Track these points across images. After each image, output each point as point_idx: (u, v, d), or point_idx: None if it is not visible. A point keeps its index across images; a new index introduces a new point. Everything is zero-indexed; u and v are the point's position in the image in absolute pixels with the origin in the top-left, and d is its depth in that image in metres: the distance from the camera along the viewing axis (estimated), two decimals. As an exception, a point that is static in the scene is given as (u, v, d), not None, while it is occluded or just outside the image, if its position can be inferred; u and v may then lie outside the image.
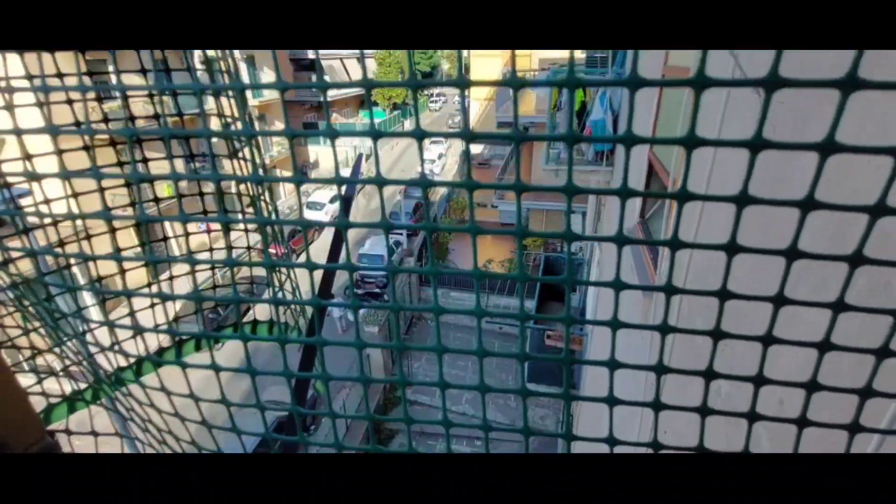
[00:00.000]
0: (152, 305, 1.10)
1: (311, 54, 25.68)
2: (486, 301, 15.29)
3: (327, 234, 20.05)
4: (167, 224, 1.37)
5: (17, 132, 0.53)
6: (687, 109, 2.87)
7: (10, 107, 0.62)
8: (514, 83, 0.38)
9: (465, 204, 20.02)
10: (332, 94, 28.07)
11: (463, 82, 0.40)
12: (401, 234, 17.93)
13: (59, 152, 0.79)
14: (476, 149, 24.84)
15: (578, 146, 7.37)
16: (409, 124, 36.86)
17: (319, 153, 26.75)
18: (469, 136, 0.42)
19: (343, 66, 27.96)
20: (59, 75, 1.01)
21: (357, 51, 0.40)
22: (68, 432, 0.96)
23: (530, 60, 18.39)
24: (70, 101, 1.02)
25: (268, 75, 20.23)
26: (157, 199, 1.34)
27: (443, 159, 28.47)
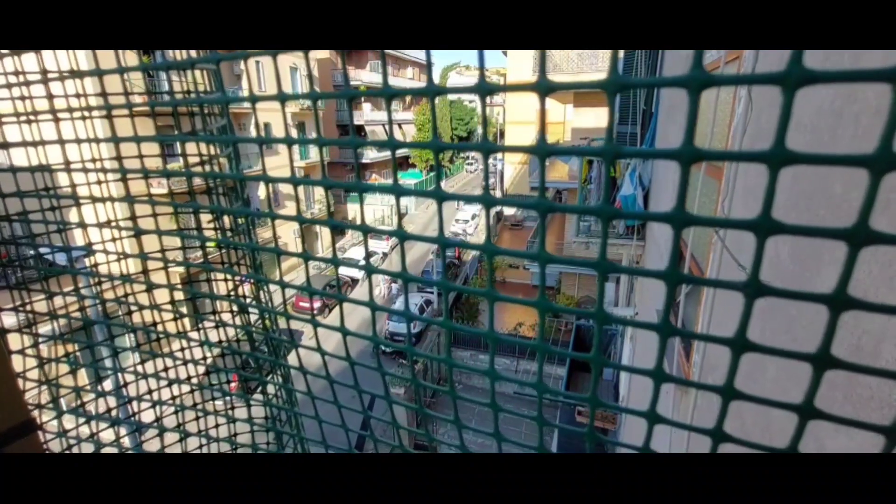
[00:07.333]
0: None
1: (355, 121, 27.41)
2: (516, 366, 14.83)
3: (359, 291, 20.31)
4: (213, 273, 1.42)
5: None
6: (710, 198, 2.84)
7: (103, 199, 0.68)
8: (542, 149, 0.39)
9: (496, 265, 20.03)
10: (374, 155, 29.64)
11: (486, 146, 0.41)
12: (431, 292, 17.96)
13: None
14: (509, 210, 25.21)
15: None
16: (444, 184, 37.92)
17: (357, 211, 27.81)
18: (490, 201, 0.42)
19: (385, 130, 29.68)
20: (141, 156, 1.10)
21: (400, 118, 0.42)
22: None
23: (563, 129, 18.98)
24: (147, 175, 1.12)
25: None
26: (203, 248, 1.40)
27: (476, 219, 28.90)
